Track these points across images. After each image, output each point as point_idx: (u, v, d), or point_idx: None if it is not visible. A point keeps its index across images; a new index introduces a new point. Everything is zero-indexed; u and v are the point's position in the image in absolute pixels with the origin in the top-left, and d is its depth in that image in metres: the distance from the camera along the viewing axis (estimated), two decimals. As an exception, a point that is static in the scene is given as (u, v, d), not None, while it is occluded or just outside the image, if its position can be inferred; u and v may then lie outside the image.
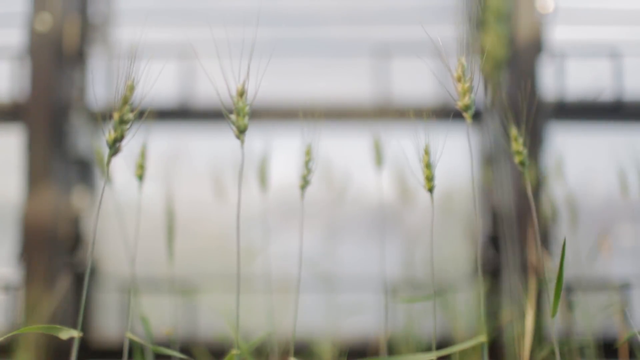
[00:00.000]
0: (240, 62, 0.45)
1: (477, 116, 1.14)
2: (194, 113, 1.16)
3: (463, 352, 0.78)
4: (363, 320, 1.12)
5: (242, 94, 0.47)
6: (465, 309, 0.99)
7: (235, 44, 0.47)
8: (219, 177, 1.04)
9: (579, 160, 1.15)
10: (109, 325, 1.16)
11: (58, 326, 0.47)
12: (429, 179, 0.50)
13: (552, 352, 0.79)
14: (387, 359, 0.55)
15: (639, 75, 1.13)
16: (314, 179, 0.52)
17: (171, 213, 0.68)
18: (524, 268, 0.99)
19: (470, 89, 0.47)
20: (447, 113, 1.09)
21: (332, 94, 1.17)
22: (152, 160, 0.61)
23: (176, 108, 1.16)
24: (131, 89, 0.45)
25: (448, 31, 0.49)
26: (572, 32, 1.13)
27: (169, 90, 1.16)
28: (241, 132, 0.47)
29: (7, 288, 1.10)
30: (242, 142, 0.48)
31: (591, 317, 0.84)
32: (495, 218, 1.10)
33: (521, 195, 1.03)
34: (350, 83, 1.20)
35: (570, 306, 0.92)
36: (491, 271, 1.09)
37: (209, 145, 1.19)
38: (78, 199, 1.12)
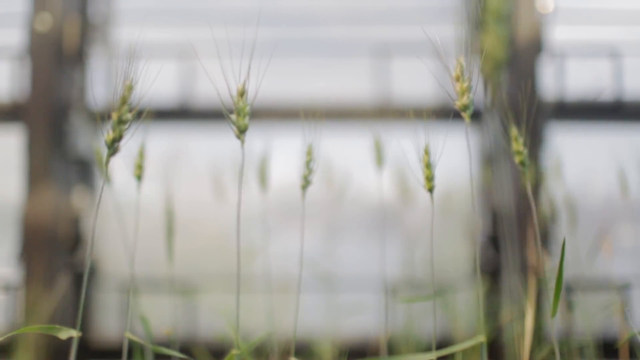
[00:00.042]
0: (241, 62, 0.45)
1: (477, 116, 1.14)
2: (193, 113, 1.16)
3: (463, 352, 0.78)
4: (363, 320, 1.12)
5: (242, 93, 0.47)
6: (465, 308, 0.99)
7: (235, 44, 0.47)
8: (219, 177, 1.04)
9: (579, 160, 1.15)
10: (108, 325, 1.16)
11: (57, 326, 0.47)
12: (429, 179, 0.50)
13: (552, 352, 0.79)
14: (387, 359, 0.55)
15: (639, 75, 1.13)
16: (315, 179, 0.52)
17: (170, 213, 0.68)
18: (523, 268, 0.99)
19: (468, 89, 0.47)
20: (447, 113, 1.09)
21: (332, 94, 1.17)
22: (152, 160, 0.61)
23: (176, 108, 1.16)
24: (129, 89, 0.45)
25: (448, 31, 0.49)
26: (572, 32, 1.13)
27: (169, 90, 1.16)
28: (241, 132, 0.47)
29: (7, 288, 1.10)
30: (243, 142, 0.48)
31: (591, 317, 0.84)
32: (495, 218, 1.10)
33: (521, 195, 1.03)
34: (350, 83, 1.20)
35: (570, 306, 0.92)
36: (491, 271, 1.09)
37: (209, 146, 1.19)
38: (78, 199, 1.12)
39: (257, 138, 0.70)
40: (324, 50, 1.21)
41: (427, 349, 0.92)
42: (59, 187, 1.08)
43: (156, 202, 0.82)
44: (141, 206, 0.58)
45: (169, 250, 0.67)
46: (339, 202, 1.12)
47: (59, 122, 1.08)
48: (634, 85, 1.12)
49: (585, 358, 0.82)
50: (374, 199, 1.20)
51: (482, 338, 0.46)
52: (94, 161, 1.15)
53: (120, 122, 0.45)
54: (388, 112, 1.12)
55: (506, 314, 0.89)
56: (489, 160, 1.13)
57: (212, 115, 1.16)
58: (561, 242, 0.47)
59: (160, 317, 0.89)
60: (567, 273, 0.89)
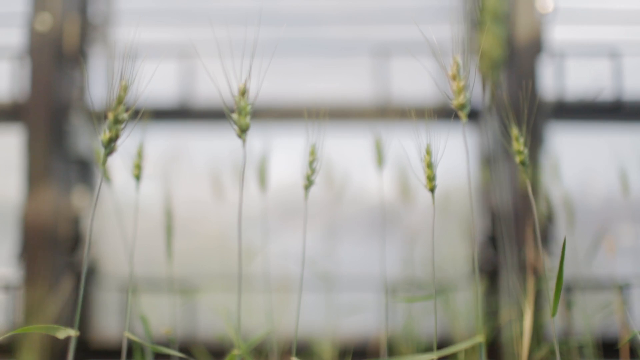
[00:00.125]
0: (241, 62, 0.45)
1: (476, 116, 1.14)
2: (193, 113, 1.16)
3: (463, 352, 0.78)
4: (363, 319, 1.12)
5: (243, 93, 0.47)
6: (464, 308, 0.99)
7: (235, 43, 0.47)
8: (218, 177, 1.04)
9: (579, 160, 1.15)
10: (108, 324, 1.17)
11: (55, 326, 0.47)
12: (431, 178, 0.50)
13: (551, 352, 0.79)
14: None
15: (638, 75, 1.13)
16: (317, 178, 0.52)
17: (170, 213, 0.68)
18: (522, 268, 0.99)
19: (465, 88, 0.47)
20: (446, 113, 1.09)
21: (332, 93, 1.17)
22: (152, 160, 0.61)
23: (176, 108, 1.16)
24: (125, 89, 0.45)
25: (447, 31, 0.49)
26: (571, 32, 1.13)
27: (168, 90, 1.16)
28: (243, 131, 0.47)
29: (7, 288, 1.10)
30: (244, 141, 0.47)
31: (590, 317, 0.84)
32: (493, 218, 1.10)
33: (520, 194, 1.03)
34: (350, 83, 1.20)
35: (569, 305, 0.92)
36: (490, 271, 1.09)
37: (209, 146, 1.19)
38: (78, 199, 1.12)
39: (257, 138, 0.70)
40: (324, 50, 1.21)
41: (427, 348, 0.92)
42: (59, 187, 1.08)
43: (156, 201, 0.82)
44: (141, 206, 0.58)
45: (168, 250, 0.67)
46: (339, 202, 1.12)
47: (59, 122, 1.08)
48: (633, 85, 1.12)
49: (584, 358, 0.82)
50: (374, 198, 1.20)
51: (480, 338, 0.46)
52: (94, 161, 1.15)
53: (117, 121, 0.45)
54: (388, 112, 1.12)
55: (505, 314, 0.89)
56: (488, 160, 1.13)
57: (211, 115, 1.16)
58: (561, 242, 0.47)
59: (159, 316, 0.89)
60: (566, 273, 0.90)
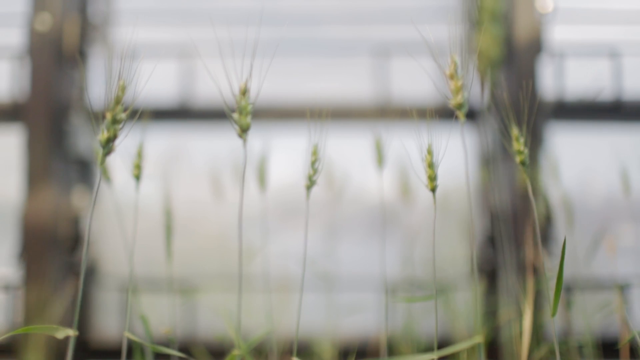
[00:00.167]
0: (242, 62, 0.45)
1: (476, 116, 1.14)
2: (193, 113, 1.16)
3: (463, 351, 0.78)
4: (363, 319, 1.12)
5: (244, 92, 0.47)
6: (464, 308, 0.99)
7: (235, 43, 0.47)
8: (218, 177, 1.04)
9: (579, 160, 1.15)
10: (108, 324, 1.17)
11: (54, 326, 0.47)
12: (432, 178, 0.50)
13: (551, 352, 0.79)
14: None
15: (638, 75, 1.13)
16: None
17: (169, 212, 0.68)
18: (521, 267, 0.99)
19: (462, 87, 0.47)
20: (446, 113, 1.09)
21: (332, 93, 1.17)
22: (152, 160, 0.61)
23: (175, 108, 1.16)
24: (123, 89, 0.45)
25: (446, 31, 0.49)
26: (571, 32, 1.13)
27: (168, 90, 1.16)
28: (244, 130, 0.47)
29: (7, 288, 1.10)
30: (245, 141, 0.47)
31: (589, 317, 0.84)
32: (493, 217, 1.10)
33: (519, 194, 1.03)
34: (350, 83, 1.20)
35: (568, 305, 0.92)
36: (489, 270, 1.09)
37: (209, 145, 1.19)
38: (78, 199, 1.12)
39: (257, 138, 0.70)
40: (324, 50, 1.21)
41: (427, 348, 0.92)
42: (59, 187, 1.08)
43: (156, 201, 0.82)
44: (141, 206, 0.58)
45: (167, 249, 0.67)
46: (339, 202, 1.12)
47: (59, 122, 1.08)
48: (633, 85, 1.12)
49: (584, 358, 0.82)
50: (374, 198, 1.20)
51: (479, 339, 0.46)
52: (94, 161, 1.15)
53: (115, 121, 0.45)
54: (388, 112, 1.12)
55: (504, 314, 0.89)
56: (488, 160, 1.13)
57: (211, 115, 1.16)
58: (561, 242, 0.47)
59: (159, 316, 0.89)
60: (566, 272, 0.89)
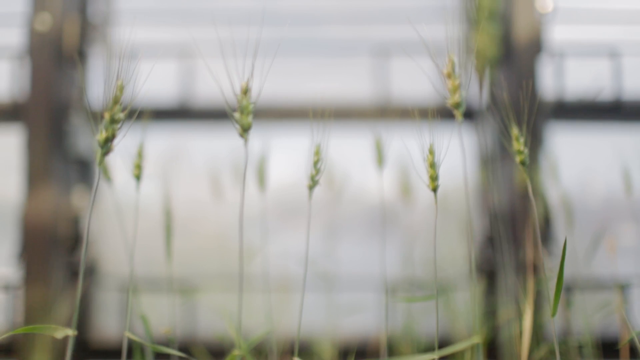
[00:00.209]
0: (242, 62, 0.45)
1: (475, 115, 1.14)
2: (193, 113, 1.16)
3: (463, 352, 0.78)
4: (362, 319, 1.12)
5: (246, 91, 0.47)
6: (464, 308, 1.00)
7: (235, 43, 0.47)
8: (218, 177, 1.04)
9: (579, 160, 1.15)
10: (108, 324, 1.17)
11: (53, 326, 0.47)
12: (433, 178, 0.49)
13: (550, 352, 0.79)
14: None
15: (638, 74, 1.13)
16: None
17: (169, 212, 0.68)
18: (521, 267, 0.99)
19: (460, 86, 0.47)
20: (446, 113, 1.09)
21: (332, 93, 1.17)
22: (152, 160, 0.61)
23: (175, 108, 1.16)
24: (121, 88, 0.45)
25: (447, 31, 0.49)
26: (571, 32, 1.13)
27: (168, 90, 1.16)
28: (245, 130, 0.47)
29: (7, 288, 1.10)
30: (246, 140, 0.47)
31: (589, 317, 0.84)
32: (493, 217, 1.10)
33: (519, 194, 1.03)
34: (350, 83, 1.20)
35: (568, 305, 0.92)
36: (489, 270, 1.09)
37: (208, 145, 1.19)
38: (78, 198, 1.12)
39: (256, 138, 0.70)
40: (324, 50, 1.21)
41: (427, 348, 0.92)
42: (59, 187, 1.08)
43: (155, 201, 0.82)
44: (140, 206, 0.58)
45: (167, 249, 0.67)
46: (339, 202, 1.12)
47: (59, 122, 1.08)
48: (633, 85, 1.12)
49: (584, 358, 0.82)
50: (374, 198, 1.20)
51: (476, 339, 0.46)
52: (94, 161, 1.15)
53: (113, 121, 0.45)
54: (388, 112, 1.12)
55: (504, 314, 0.89)
56: (487, 160, 1.13)
57: (211, 115, 1.16)
58: (561, 242, 0.47)
59: (159, 316, 0.89)
60: (566, 272, 0.89)
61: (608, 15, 1.16)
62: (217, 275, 1.14)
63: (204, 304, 1.13)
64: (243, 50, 0.45)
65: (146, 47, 1.07)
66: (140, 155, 0.58)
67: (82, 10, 1.14)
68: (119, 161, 0.64)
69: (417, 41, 0.48)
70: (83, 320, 1.13)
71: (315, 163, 0.51)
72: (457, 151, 0.52)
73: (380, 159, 0.71)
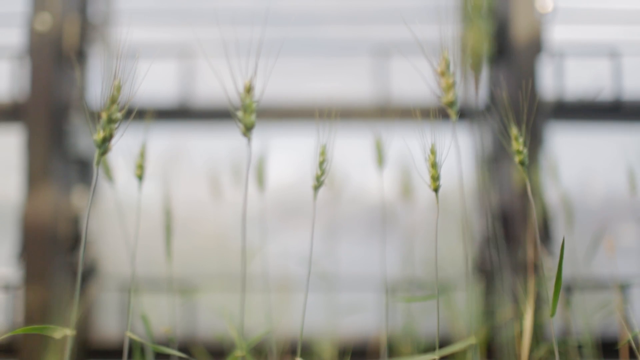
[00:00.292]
0: (242, 61, 0.45)
1: (474, 115, 1.14)
2: (193, 113, 1.16)
3: (463, 351, 0.78)
4: (363, 319, 1.12)
5: (249, 90, 0.46)
6: (463, 308, 1.00)
7: (235, 43, 0.47)
8: (217, 177, 1.04)
9: (578, 160, 1.15)
10: (109, 324, 1.17)
11: (52, 326, 0.47)
12: (435, 178, 0.49)
13: (550, 352, 0.79)
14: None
15: (638, 75, 1.13)
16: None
17: (169, 212, 0.68)
18: (521, 267, 0.99)
19: (454, 84, 0.47)
20: (445, 113, 1.09)
21: (332, 93, 1.17)
22: (152, 160, 0.61)
23: (175, 108, 1.16)
24: (118, 88, 0.45)
25: (440, 30, 0.49)
26: (571, 32, 1.13)
27: (168, 90, 1.16)
28: (248, 129, 0.47)
29: (7, 288, 1.10)
30: (249, 139, 0.47)
31: (589, 317, 0.84)
32: (492, 217, 1.10)
33: (518, 194, 1.03)
34: (350, 83, 1.20)
35: (567, 304, 0.92)
36: (488, 270, 1.09)
37: (208, 145, 1.19)
38: (78, 198, 1.12)
39: (256, 138, 0.70)
40: (324, 50, 1.21)
41: (427, 348, 0.92)
42: (59, 187, 1.08)
43: (155, 201, 0.82)
44: (141, 206, 0.58)
45: (167, 249, 0.67)
46: (339, 202, 1.12)
47: (58, 121, 1.08)
48: (633, 85, 1.12)
49: (583, 357, 0.82)
50: (374, 198, 1.20)
51: (472, 340, 0.46)
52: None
53: (110, 121, 0.45)
54: (388, 112, 1.12)
55: (504, 314, 0.89)
56: (486, 159, 1.13)
57: (211, 115, 1.16)
58: (560, 242, 0.47)
59: (159, 316, 0.89)
60: (565, 272, 0.90)
61: (608, 15, 1.16)
62: (217, 275, 1.14)
63: (204, 304, 1.13)
64: (243, 49, 0.45)
65: (146, 47, 1.07)
66: (142, 155, 0.58)
67: (82, 10, 1.14)
68: (119, 161, 0.64)
69: (418, 41, 0.48)
70: (83, 320, 1.13)
71: (321, 163, 0.51)
72: (457, 151, 0.52)
73: (380, 159, 0.72)
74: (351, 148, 1.12)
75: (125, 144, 0.49)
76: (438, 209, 0.49)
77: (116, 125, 0.45)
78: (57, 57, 1.08)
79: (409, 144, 0.52)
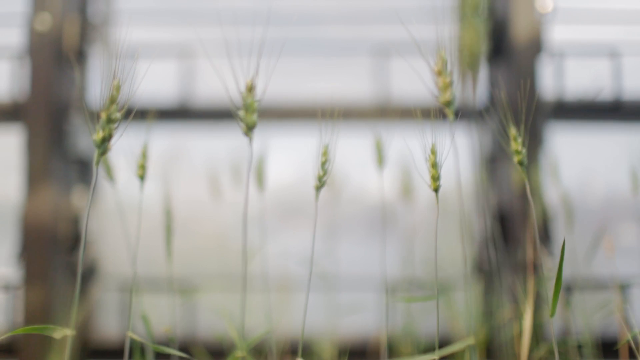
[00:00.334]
0: (243, 61, 0.45)
1: (474, 115, 1.14)
2: (193, 113, 1.16)
3: (464, 352, 0.78)
4: (363, 319, 1.12)
5: (251, 89, 0.46)
6: (463, 308, 1.00)
7: (235, 43, 0.47)
8: (217, 177, 1.04)
9: (578, 160, 1.15)
10: (109, 324, 1.17)
11: (52, 326, 0.47)
12: (435, 178, 0.49)
13: (550, 352, 0.79)
14: None
15: (637, 75, 1.13)
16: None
17: (169, 212, 0.68)
18: (521, 267, 0.99)
19: (450, 84, 0.47)
20: (444, 113, 1.09)
21: (332, 93, 1.17)
22: (152, 160, 0.61)
23: (175, 108, 1.16)
24: (118, 88, 0.45)
25: (437, 29, 0.49)
26: (571, 32, 1.14)
27: (168, 90, 1.16)
28: (249, 128, 0.47)
29: (7, 288, 1.10)
30: (251, 139, 0.47)
31: (589, 317, 0.84)
32: (492, 217, 1.10)
33: (518, 194, 1.03)
34: (350, 83, 1.20)
35: (567, 304, 0.92)
36: (488, 271, 1.09)
37: (208, 145, 1.19)
38: (78, 198, 1.12)
39: (255, 137, 0.70)
40: (324, 50, 1.21)
41: (427, 348, 0.92)
42: (59, 187, 1.08)
43: (155, 201, 0.83)
44: (141, 206, 0.58)
45: (167, 249, 0.67)
46: (339, 202, 1.12)
47: (58, 121, 1.08)
48: (633, 85, 1.12)
49: (583, 357, 0.82)
50: (374, 198, 1.20)
51: (471, 340, 0.46)
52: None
53: (110, 121, 0.45)
54: (388, 112, 1.12)
55: (503, 314, 0.89)
56: (486, 159, 1.13)
57: (211, 115, 1.16)
58: (560, 242, 0.47)
59: (159, 316, 0.89)
60: (565, 272, 0.90)
61: (608, 15, 1.16)
62: (217, 275, 1.14)
63: (204, 304, 1.13)
64: (244, 49, 0.45)
65: (146, 46, 1.07)
66: (144, 155, 0.58)
67: (82, 10, 1.14)
68: (119, 161, 0.64)
69: (416, 41, 0.48)
70: (83, 320, 1.13)
71: (323, 164, 0.51)
72: (458, 151, 0.52)
73: (380, 159, 0.72)
74: (351, 148, 1.12)
75: (126, 144, 0.49)
76: (438, 209, 0.49)
77: (115, 125, 0.45)
78: (57, 57, 1.08)
79: (409, 144, 0.52)
